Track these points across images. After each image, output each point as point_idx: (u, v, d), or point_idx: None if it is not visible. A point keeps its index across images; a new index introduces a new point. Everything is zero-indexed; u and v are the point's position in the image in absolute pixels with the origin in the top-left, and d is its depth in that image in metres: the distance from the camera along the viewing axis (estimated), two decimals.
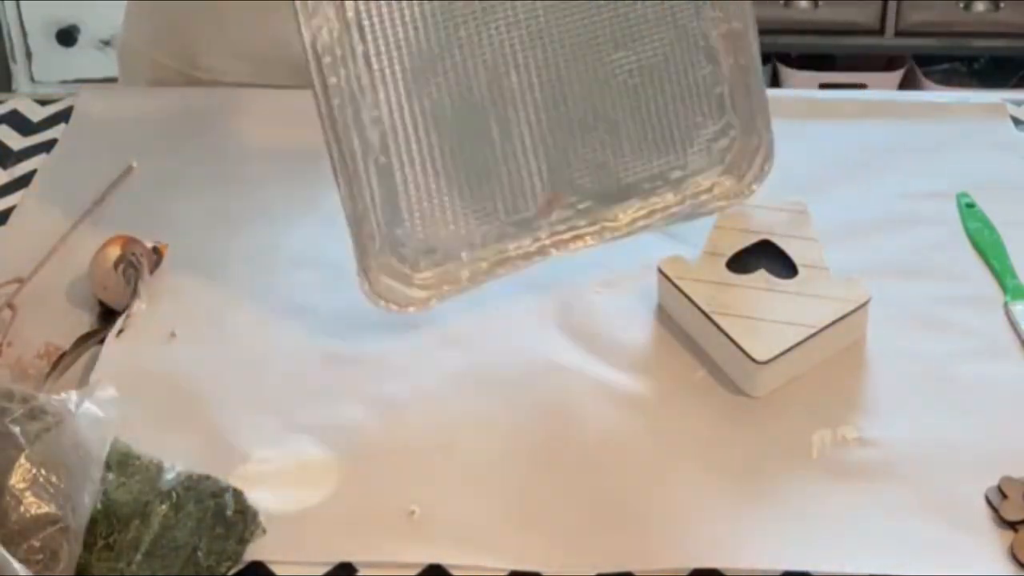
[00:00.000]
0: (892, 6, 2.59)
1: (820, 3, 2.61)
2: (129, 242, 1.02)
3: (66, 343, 0.97)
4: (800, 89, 2.44)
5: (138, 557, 0.81)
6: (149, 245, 1.03)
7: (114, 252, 1.01)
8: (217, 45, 1.28)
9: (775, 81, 2.62)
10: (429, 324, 1.00)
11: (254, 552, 0.83)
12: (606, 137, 1.01)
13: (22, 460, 0.78)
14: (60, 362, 0.96)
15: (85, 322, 1.00)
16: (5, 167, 1.17)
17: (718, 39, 1.02)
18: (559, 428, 0.92)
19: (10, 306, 1.00)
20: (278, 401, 0.94)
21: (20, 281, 1.02)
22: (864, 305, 0.96)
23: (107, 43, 2.68)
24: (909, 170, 1.16)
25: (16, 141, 1.21)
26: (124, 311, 1.00)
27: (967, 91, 2.54)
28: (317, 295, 1.04)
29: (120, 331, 0.98)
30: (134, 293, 1.00)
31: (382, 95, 0.95)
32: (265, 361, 0.98)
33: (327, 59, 0.93)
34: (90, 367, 0.96)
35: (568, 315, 1.01)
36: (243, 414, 0.93)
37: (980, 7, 2.58)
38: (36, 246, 1.06)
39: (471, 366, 0.97)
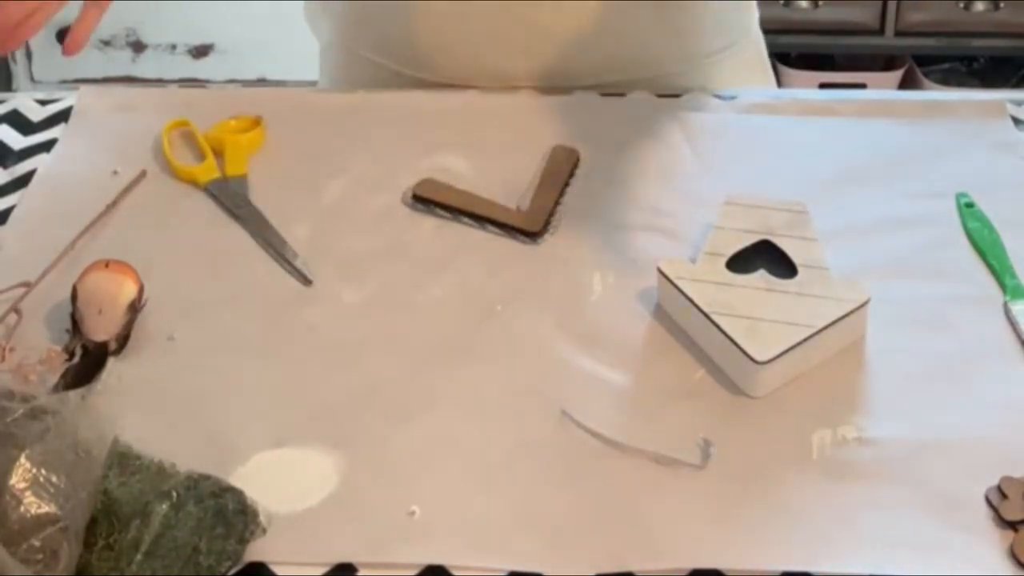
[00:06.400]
0: (892, 6, 2.59)
1: (820, 3, 2.61)
2: (141, 287, 1.00)
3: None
4: (800, 89, 2.44)
5: (138, 557, 0.81)
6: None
7: (130, 291, 0.99)
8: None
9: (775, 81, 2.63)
10: (428, 324, 1.00)
11: (254, 552, 0.83)
12: None
13: (22, 460, 0.78)
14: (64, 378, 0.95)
15: None
16: (5, 167, 1.17)
17: None
18: (559, 428, 0.92)
19: (16, 310, 1.00)
20: (278, 401, 0.94)
21: (27, 285, 1.02)
22: (864, 305, 0.97)
23: (107, 43, 2.68)
24: (909, 170, 1.16)
25: (16, 141, 1.21)
26: (101, 348, 0.96)
27: (967, 91, 2.54)
28: (317, 295, 1.04)
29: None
30: (123, 341, 0.98)
31: None
32: (265, 361, 0.98)
33: None
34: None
35: (568, 315, 1.01)
36: (243, 414, 0.93)
37: (980, 7, 2.59)
38: (36, 247, 1.06)
39: (471, 366, 0.97)
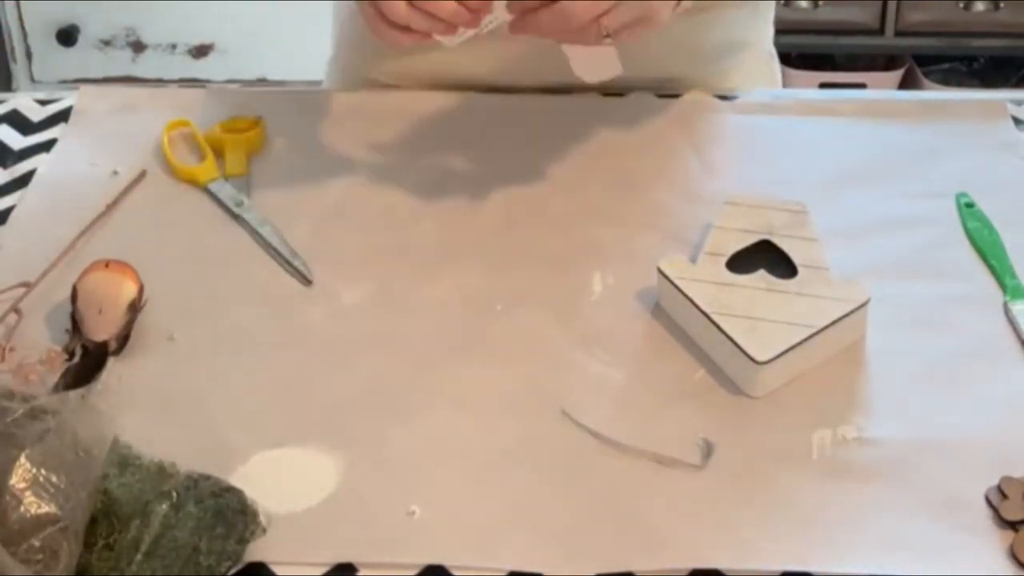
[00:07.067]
0: (892, 6, 2.59)
1: (820, 3, 2.61)
2: (141, 287, 1.00)
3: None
4: (800, 89, 2.44)
5: (138, 557, 0.81)
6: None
7: (130, 291, 0.99)
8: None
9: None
10: (428, 325, 1.00)
11: (254, 552, 0.83)
12: None
13: (22, 460, 0.78)
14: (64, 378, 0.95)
15: None
16: (5, 167, 1.18)
17: None
18: (559, 428, 0.92)
19: (16, 310, 1.00)
20: (278, 401, 0.94)
21: (27, 285, 1.02)
22: (864, 305, 0.97)
23: (107, 43, 2.68)
24: (909, 170, 1.16)
25: (16, 141, 1.21)
26: (101, 348, 0.96)
27: (967, 91, 2.54)
28: (317, 295, 1.04)
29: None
30: (123, 341, 0.97)
31: None
32: (265, 361, 0.98)
33: None
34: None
35: (568, 315, 1.01)
36: (243, 414, 0.93)
37: (980, 7, 2.59)
38: (36, 247, 1.06)
39: (471, 366, 0.97)
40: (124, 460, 0.86)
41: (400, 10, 0.97)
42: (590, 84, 1.23)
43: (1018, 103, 1.23)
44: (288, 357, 0.98)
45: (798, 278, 0.98)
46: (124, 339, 0.98)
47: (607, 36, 0.99)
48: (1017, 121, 1.21)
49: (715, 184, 1.13)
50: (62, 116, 1.23)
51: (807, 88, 2.55)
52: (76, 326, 0.97)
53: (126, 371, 0.96)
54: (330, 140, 1.20)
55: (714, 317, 0.95)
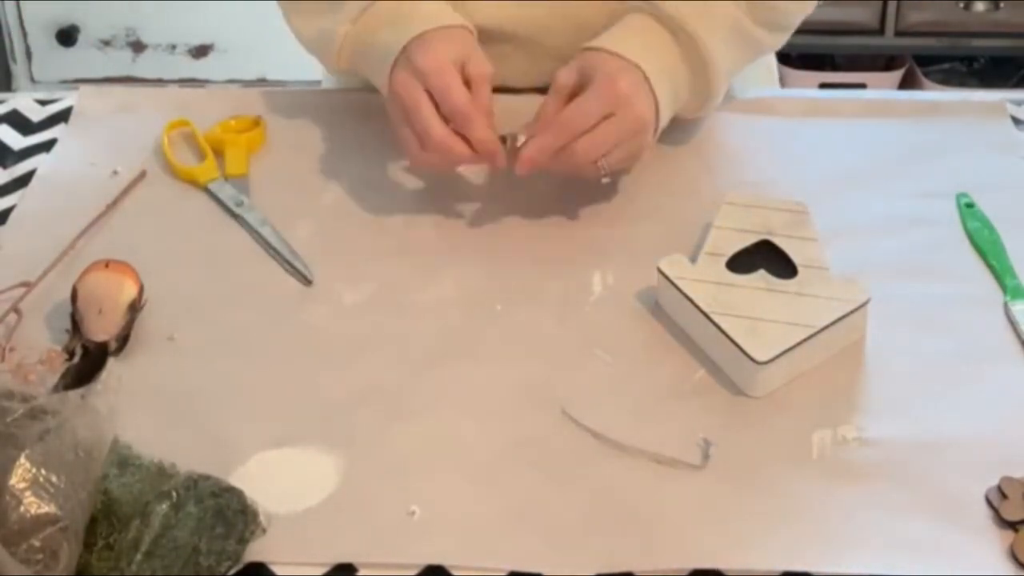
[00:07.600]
0: (892, 6, 2.59)
1: (820, 3, 2.61)
2: (141, 287, 1.00)
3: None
4: (800, 89, 2.44)
5: (138, 557, 0.81)
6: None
7: (130, 291, 0.99)
8: None
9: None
10: (429, 325, 1.00)
11: (254, 552, 0.83)
12: None
13: (22, 460, 0.78)
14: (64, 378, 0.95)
15: None
16: (5, 167, 1.18)
17: None
18: (559, 428, 0.92)
19: (16, 310, 1.00)
20: (278, 401, 0.94)
21: (27, 285, 1.02)
22: (864, 305, 0.97)
23: (107, 43, 2.68)
24: (908, 170, 1.16)
25: (16, 141, 1.21)
26: (101, 348, 0.96)
27: (967, 91, 2.54)
28: (317, 295, 1.04)
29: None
30: (123, 341, 0.97)
31: None
32: (265, 361, 0.98)
33: None
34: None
35: (568, 315, 1.01)
36: (243, 414, 0.93)
37: (980, 7, 2.58)
38: (36, 247, 1.06)
39: (471, 366, 0.97)
40: (124, 460, 0.86)
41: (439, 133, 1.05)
42: None
43: (1018, 103, 1.23)
44: (288, 357, 0.98)
45: (798, 278, 0.98)
46: (124, 339, 0.98)
47: (605, 175, 1.07)
48: (1017, 121, 1.21)
49: (715, 184, 1.13)
50: (62, 116, 1.23)
51: (807, 88, 2.55)
52: (76, 326, 0.97)
53: (126, 371, 0.96)
54: (330, 140, 1.20)
55: (714, 317, 0.95)
